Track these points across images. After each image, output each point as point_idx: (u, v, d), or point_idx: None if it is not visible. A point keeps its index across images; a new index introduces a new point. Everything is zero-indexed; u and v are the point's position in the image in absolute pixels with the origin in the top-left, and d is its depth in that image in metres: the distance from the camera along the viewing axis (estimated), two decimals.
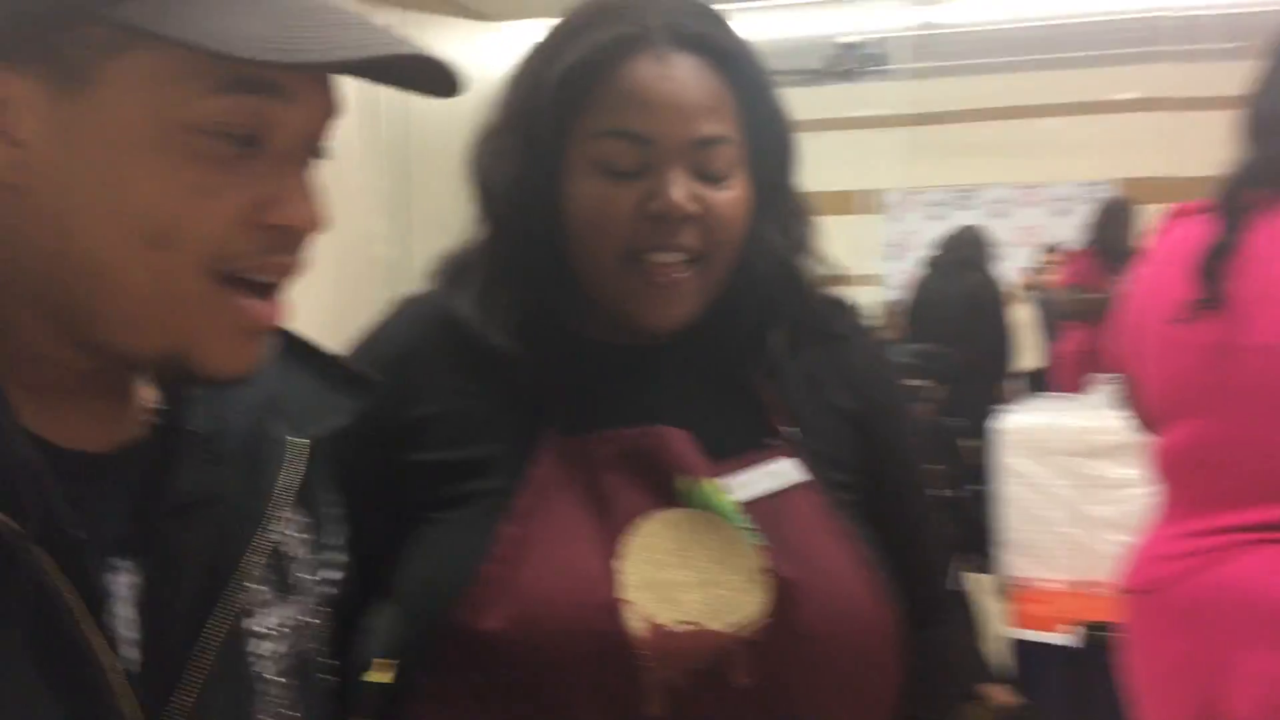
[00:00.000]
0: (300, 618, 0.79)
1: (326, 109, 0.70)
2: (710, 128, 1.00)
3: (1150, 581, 1.59)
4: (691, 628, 0.97)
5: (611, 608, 0.96)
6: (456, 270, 1.09)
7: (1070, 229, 6.25)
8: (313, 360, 0.85)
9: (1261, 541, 1.45)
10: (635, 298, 1.02)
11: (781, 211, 1.08)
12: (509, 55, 1.13)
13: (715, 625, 0.97)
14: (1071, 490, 3.03)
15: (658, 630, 0.96)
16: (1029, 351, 6.13)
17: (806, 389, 1.10)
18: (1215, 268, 1.48)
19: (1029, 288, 6.53)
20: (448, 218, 1.14)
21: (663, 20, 1.00)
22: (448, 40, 4.53)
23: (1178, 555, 1.55)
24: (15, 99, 0.65)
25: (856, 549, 1.03)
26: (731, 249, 1.03)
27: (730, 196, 1.01)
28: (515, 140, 1.03)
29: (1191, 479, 1.56)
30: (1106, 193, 6.28)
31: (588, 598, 0.96)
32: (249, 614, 0.74)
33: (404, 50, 0.67)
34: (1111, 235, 5.05)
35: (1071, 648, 2.94)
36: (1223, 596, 1.45)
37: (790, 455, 1.05)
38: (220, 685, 0.71)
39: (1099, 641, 2.69)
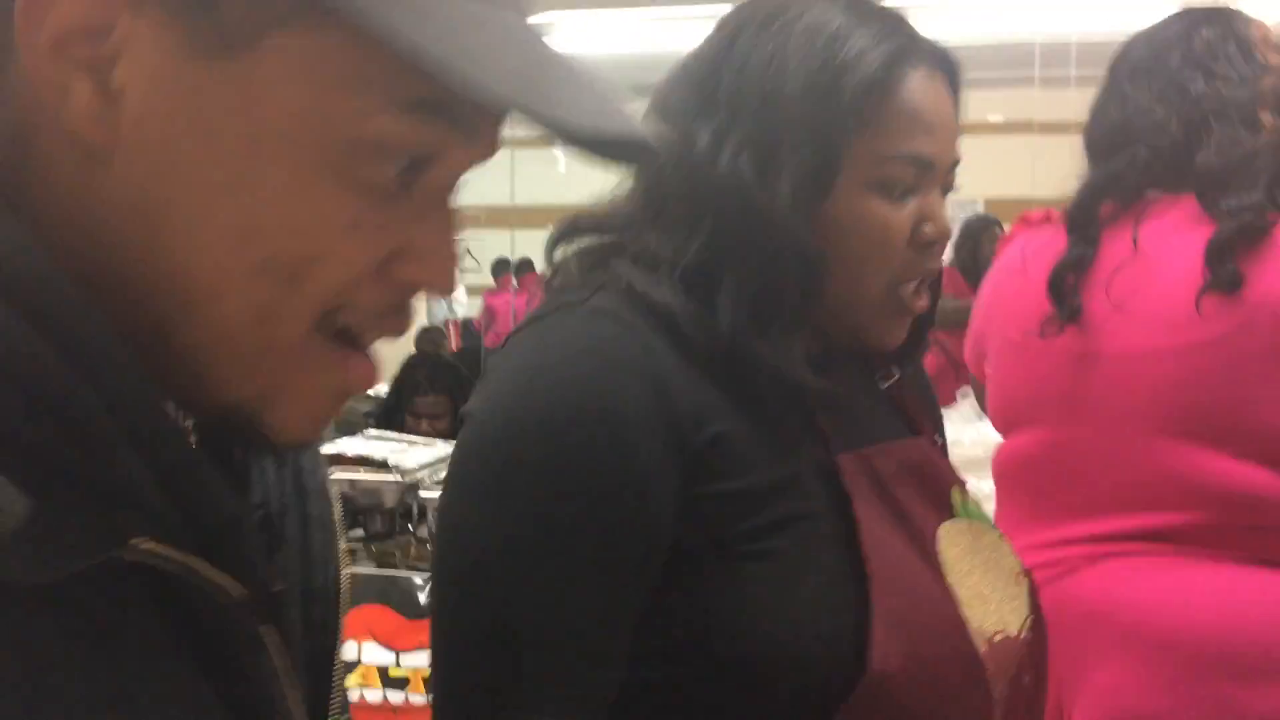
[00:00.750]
0: None
1: (488, 153, 0.57)
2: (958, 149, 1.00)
3: None
4: (1003, 636, 0.97)
5: (963, 628, 0.93)
6: (679, 279, 0.94)
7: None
8: None
9: (1111, 554, 1.47)
10: (884, 322, 1.00)
11: None
12: None
13: (1014, 630, 0.99)
14: None
15: (989, 643, 0.95)
16: None
17: (917, 388, 1.14)
18: (1069, 281, 1.50)
19: None
20: None
21: (909, 31, 0.98)
22: None
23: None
24: (126, 37, 0.49)
25: None
26: None
27: None
28: (776, 148, 0.92)
29: (1041, 488, 1.58)
30: (973, 211, 6.41)
31: (950, 624, 0.93)
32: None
33: (638, 135, 0.55)
34: (973, 252, 5.19)
35: None
36: (1072, 609, 1.46)
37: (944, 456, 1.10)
38: None
39: None
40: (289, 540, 0.66)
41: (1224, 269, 1.37)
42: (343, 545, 0.72)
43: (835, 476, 0.94)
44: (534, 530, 0.86)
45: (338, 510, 0.71)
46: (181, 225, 0.51)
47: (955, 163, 0.98)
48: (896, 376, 1.10)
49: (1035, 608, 1.03)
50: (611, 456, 0.86)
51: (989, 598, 0.98)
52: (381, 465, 2.44)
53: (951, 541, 0.98)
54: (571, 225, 1.02)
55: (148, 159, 0.51)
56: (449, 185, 0.57)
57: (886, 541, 0.93)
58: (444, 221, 0.57)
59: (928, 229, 0.97)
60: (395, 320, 0.57)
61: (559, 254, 1.02)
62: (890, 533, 0.94)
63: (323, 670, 0.69)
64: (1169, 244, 1.44)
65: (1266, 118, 1.46)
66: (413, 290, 0.57)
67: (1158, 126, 1.48)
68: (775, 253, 0.92)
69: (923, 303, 1.00)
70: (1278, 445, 1.38)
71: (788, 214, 0.92)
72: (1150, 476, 1.43)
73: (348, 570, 0.73)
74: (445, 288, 0.57)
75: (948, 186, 0.99)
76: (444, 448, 2.56)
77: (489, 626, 0.86)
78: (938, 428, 1.17)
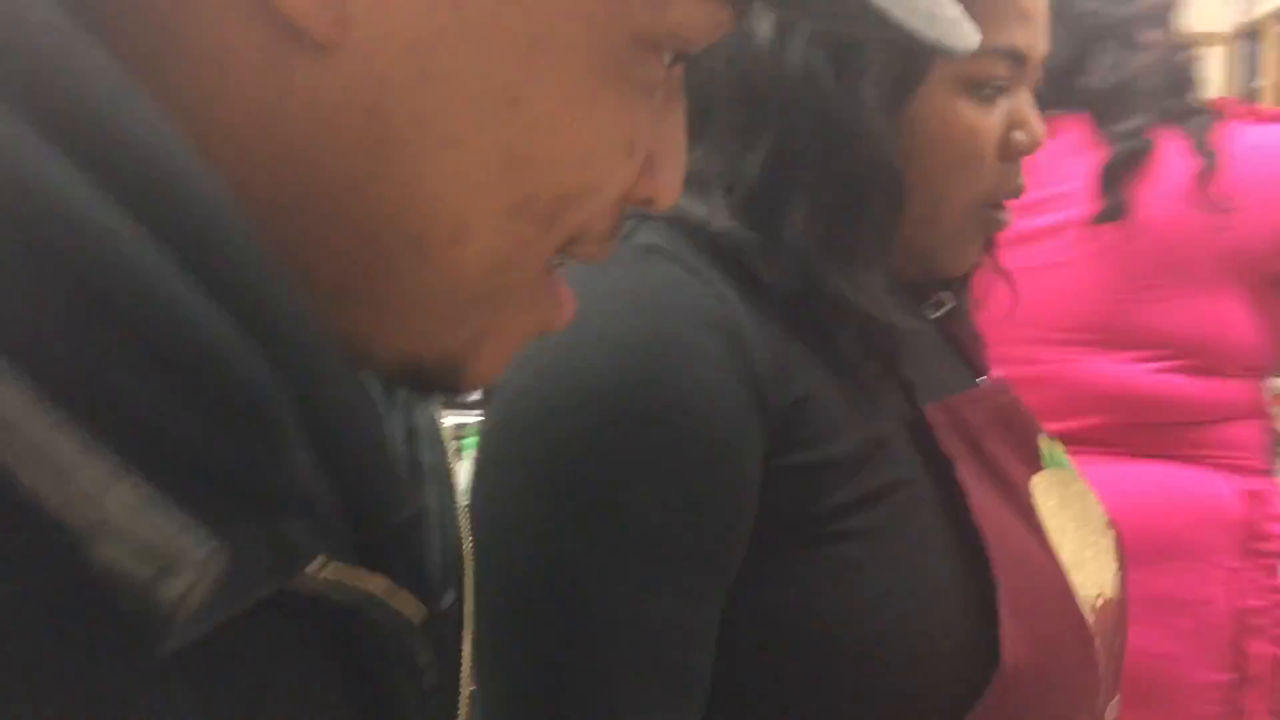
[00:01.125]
0: None
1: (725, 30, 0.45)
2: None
3: None
4: (1104, 600, 0.86)
5: (1074, 602, 0.81)
6: (743, 210, 0.78)
7: None
8: None
9: None
10: (963, 245, 0.85)
11: None
12: None
13: (1111, 591, 0.88)
14: None
15: (1094, 611, 0.84)
16: None
17: (965, 320, 0.97)
18: None
19: None
20: None
21: None
22: None
23: None
24: None
25: None
26: None
27: None
28: (857, 40, 0.76)
29: None
30: None
31: (1064, 598, 0.81)
32: None
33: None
34: None
35: None
36: None
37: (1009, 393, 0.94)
38: None
39: None
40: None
41: (1112, 198, 1.44)
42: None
43: (927, 434, 0.80)
44: (597, 528, 0.70)
45: (455, 459, 0.54)
46: (424, 151, 0.38)
47: (1042, 60, 0.84)
48: (949, 306, 0.94)
49: (1121, 559, 0.92)
50: (687, 430, 0.70)
51: (1087, 559, 0.87)
52: None
53: (1046, 497, 0.87)
54: None
55: (385, 61, 0.37)
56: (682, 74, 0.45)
57: (993, 509, 0.80)
58: (681, 118, 0.45)
59: (1020, 136, 0.82)
60: (612, 244, 0.45)
61: None
62: (993, 497, 0.81)
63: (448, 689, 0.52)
64: (1063, 167, 1.48)
65: (1148, 35, 1.50)
66: (640, 206, 0.45)
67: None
68: (856, 167, 0.76)
69: (1006, 221, 0.86)
70: (1162, 348, 1.45)
71: (873, 119, 0.76)
72: (1052, 385, 1.48)
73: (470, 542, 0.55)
74: (670, 203, 0.46)
75: (1035, 86, 0.84)
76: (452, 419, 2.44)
77: (559, 646, 0.70)
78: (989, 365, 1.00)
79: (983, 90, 0.80)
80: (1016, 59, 0.80)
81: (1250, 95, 6.17)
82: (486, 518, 0.72)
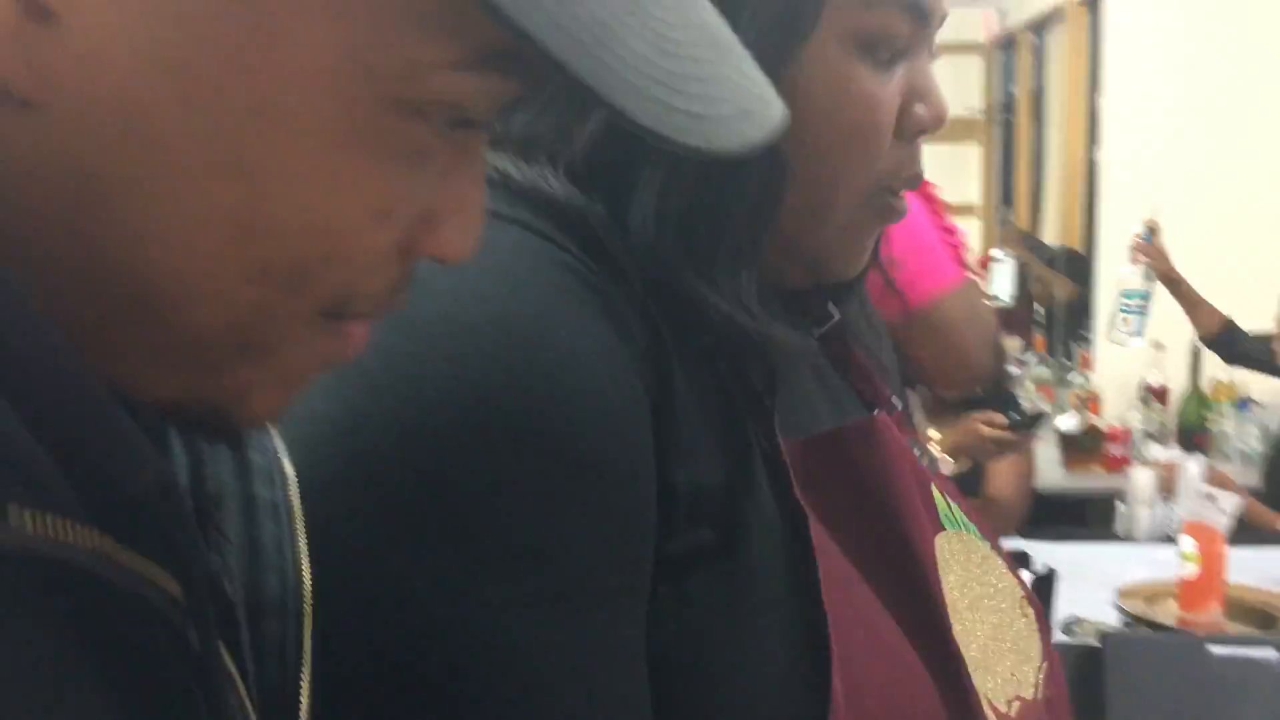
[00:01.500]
0: None
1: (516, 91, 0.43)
2: None
3: None
4: (1020, 703, 0.70)
5: (970, 708, 0.66)
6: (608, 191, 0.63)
7: None
8: None
9: None
10: (850, 244, 0.71)
11: None
12: None
13: (1029, 692, 0.71)
14: None
15: (1003, 716, 0.68)
16: None
17: (865, 334, 0.81)
18: None
19: None
20: None
21: None
22: None
23: None
24: None
25: None
26: None
27: None
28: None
29: None
30: None
31: (928, 703, 0.64)
32: None
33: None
34: None
35: None
36: None
37: (910, 433, 0.78)
38: None
39: None
40: (228, 534, 0.48)
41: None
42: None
43: (783, 473, 0.64)
44: (489, 568, 0.54)
45: (295, 495, 0.52)
46: (140, 215, 0.36)
47: (944, 17, 0.69)
48: (835, 319, 0.77)
49: (1047, 647, 0.76)
50: (591, 434, 0.56)
51: (998, 646, 0.71)
52: None
53: (945, 566, 0.69)
54: None
55: (94, 123, 0.35)
56: (480, 131, 0.43)
57: (847, 583, 0.64)
58: (472, 176, 0.43)
59: (920, 110, 0.68)
60: (401, 297, 0.43)
61: None
62: (858, 564, 0.65)
63: (285, 713, 0.50)
64: None
65: None
66: (426, 260, 0.43)
67: None
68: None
69: (900, 212, 0.71)
70: None
71: None
72: None
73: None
74: (464, 257, 0.43)
75: (933, 53, 0.70)
76: None
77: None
78: (897, 390, 0.82)
79: (878, 52, 0.65)
80: (919, 14, 0.66)
81: (1008, 101, 6.51)
82: (335, 582, 0.54)
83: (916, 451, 0.75)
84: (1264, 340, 3.16)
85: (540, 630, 0.55)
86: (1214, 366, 3.72)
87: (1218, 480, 2.90)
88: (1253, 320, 3.21)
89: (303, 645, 0.51)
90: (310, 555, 0.52)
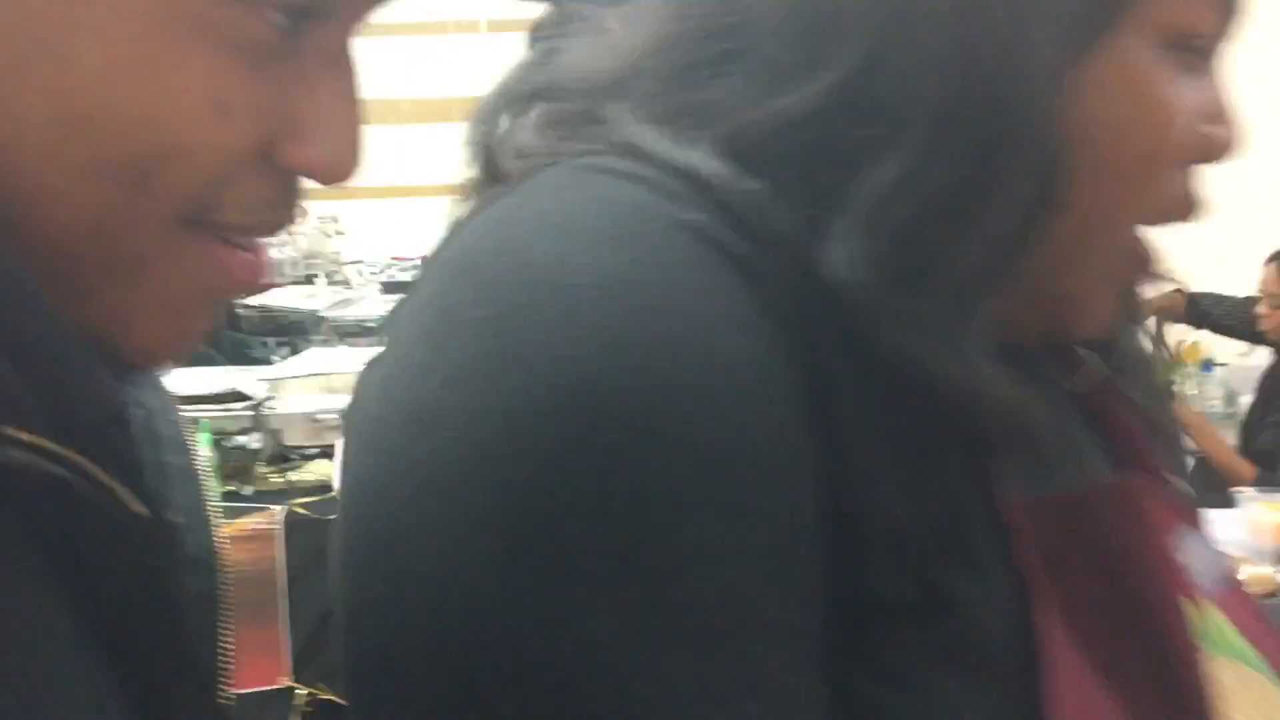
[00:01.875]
0: None
1: None
2: None
3: None
4: None
5: None
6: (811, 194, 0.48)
7: None
8: None
9: None
10: (1103, 292, 0.55)
11: None
12: None
13: None
14: None
15: None
16: None
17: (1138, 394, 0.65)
18: None
19: None
20: None
21: None
22: None
23: None
24: None
25: None
26: None
27: None
28: None
29: None
30: None
31: None
32: None
33: None
34: None
35: None
36: None
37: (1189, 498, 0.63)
38: None
39: None
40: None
41: None
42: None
43: (1004, 539, 0.49)
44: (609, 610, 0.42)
45: (204, 459, 0.56)
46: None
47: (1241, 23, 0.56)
48: (1097, 371, 0.62)
49: None
50: (725, 421, 0.43)
51: None
52: None
53: (1227, 701, 0.53)
54: (521, 92, 0.54)
55: None
56: (345, 39, 0.43)
57: (1086, 678, 0.49)
58: (342, 86, 0.43)
59: (1221, 132, 0.55)
60: (281, 213, 0.44)
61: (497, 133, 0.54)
62: (1122, 664, 0.51)
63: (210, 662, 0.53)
64: None
65: None
66: (303, 175, 0.43)
67: None
68: (995, 139, 0.47)
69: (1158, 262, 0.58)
70: None
71: (1043, 76, 0.48)
72: None
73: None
74: (346, 172, 0.43)
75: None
76: None
77: None
78: (1176, 461, 0.67)
79: (1183, 54, 0.52)
80: (1230, 12, 0.53)
81: None
82: (390, 617, 0.44)
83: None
84: (1243, 303, 3.21)
85: (665, 673, 0.42)
86: (1179, 329, 3.78)
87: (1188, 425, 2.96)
88: (1233, 287, 3.26)
89: (222, 596, 0.54)
90: (377, 576, 0.44)
